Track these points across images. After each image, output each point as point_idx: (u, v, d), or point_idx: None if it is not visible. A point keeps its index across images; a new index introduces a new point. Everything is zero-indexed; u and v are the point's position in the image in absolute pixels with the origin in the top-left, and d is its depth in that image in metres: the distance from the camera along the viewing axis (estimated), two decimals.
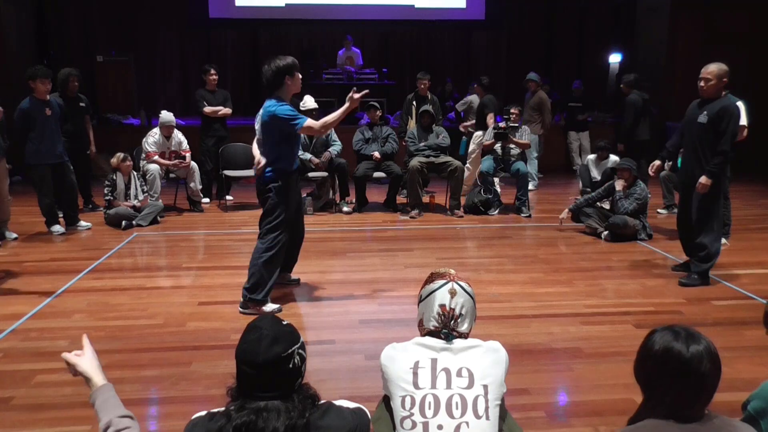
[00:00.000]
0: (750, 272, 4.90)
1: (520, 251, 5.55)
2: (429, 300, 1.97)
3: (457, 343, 1.90)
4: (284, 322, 1.69)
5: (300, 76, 3.92)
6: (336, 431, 1.63)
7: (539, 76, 8.91)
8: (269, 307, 3.99)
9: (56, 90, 6.49)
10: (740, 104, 5.20)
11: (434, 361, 1.86)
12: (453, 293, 1.94)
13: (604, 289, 4.53)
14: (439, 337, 1.92)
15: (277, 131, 3.85)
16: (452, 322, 1.93)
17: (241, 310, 4.00)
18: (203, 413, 1.66)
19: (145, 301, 4.23)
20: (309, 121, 3.85)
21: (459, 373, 1.83)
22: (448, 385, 1.81)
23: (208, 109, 7.31)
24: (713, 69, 4.37)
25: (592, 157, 7.50)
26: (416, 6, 12.02)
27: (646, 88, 7.81)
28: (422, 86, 7.54)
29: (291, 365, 1.60)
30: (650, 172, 4.93)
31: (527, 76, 8.82)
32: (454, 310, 1.93)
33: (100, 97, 10.35)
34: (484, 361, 1.88)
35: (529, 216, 6.89)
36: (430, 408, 1.79)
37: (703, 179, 4.33)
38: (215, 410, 1.64)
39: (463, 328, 1.95)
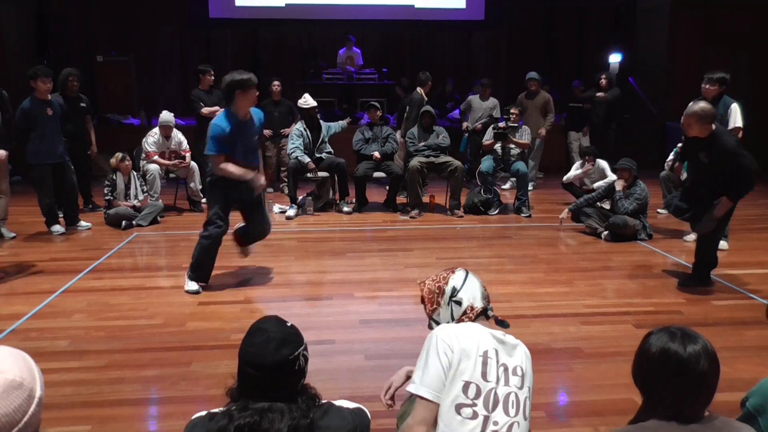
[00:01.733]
0: (750, 272, 4.90)
1: (520, 251, 5.55)
2: (468, 285, 2.05)
3: (508, 338, 1.91)
4: (288, 323, 1.68)
5: (255, 93, 4.16)
6: (336, 431, 1.63)
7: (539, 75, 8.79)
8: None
9: (56, 90, 6.49)
10: (735, 105, 5.22)
11: (497, 354, 1.84)
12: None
13: (604, 289, 4.53)
14: (492, 323, 2.04)
15: None
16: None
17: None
18: (203, 413, 1.65)
19: (145, 301, 4.23)
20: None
21: (515, 372, 1.83)
22: (507, 383, 1.80)
23: (206, 110, 7.27)
24: (692, 115, 4.03)
25: (578, 165, 7.37)
26: (416, 6, 12.00)
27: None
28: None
29: (296, 367, 1.60)
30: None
31: (528, 75, 8.64)
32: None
33: (100, 97, 10.33)
34: (527, 362, 1.90)
35: (529, 216, 6.89)
36: (492, 403, 1.77)
37: (725, 200, 4.18)
38: (215, 410, 1.63)
39: None
